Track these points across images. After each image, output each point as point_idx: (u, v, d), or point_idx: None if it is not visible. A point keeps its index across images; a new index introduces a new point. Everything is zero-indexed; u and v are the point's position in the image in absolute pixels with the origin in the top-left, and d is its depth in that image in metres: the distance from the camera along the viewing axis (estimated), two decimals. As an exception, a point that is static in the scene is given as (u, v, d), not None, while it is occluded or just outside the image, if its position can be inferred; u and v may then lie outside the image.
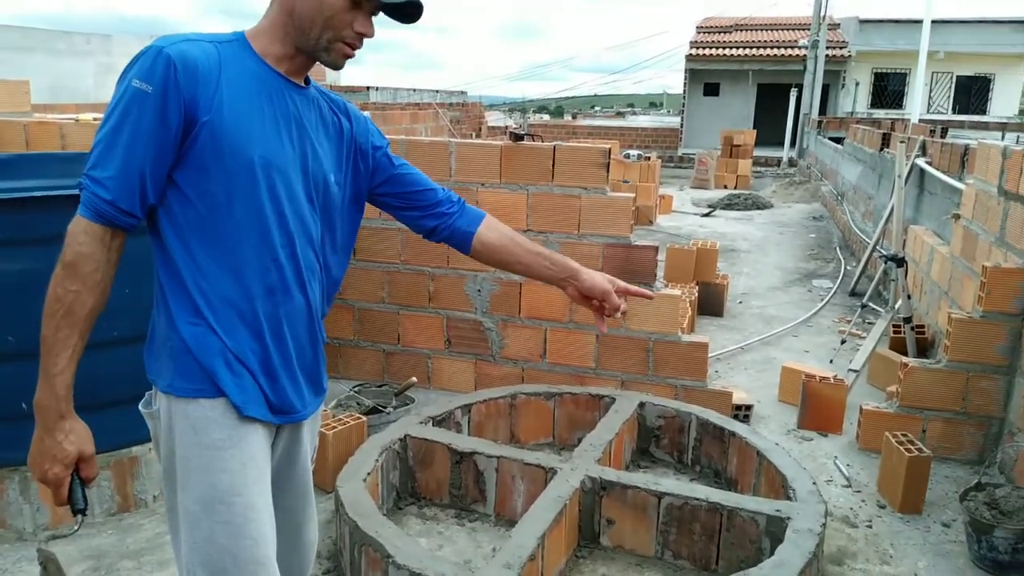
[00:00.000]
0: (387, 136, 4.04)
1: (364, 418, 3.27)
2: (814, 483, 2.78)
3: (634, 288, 1.83)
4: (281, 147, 1.48)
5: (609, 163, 3.72)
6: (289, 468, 1.67)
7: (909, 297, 4.34)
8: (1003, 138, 13.26)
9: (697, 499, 2.68)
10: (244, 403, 1.47)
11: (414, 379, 3.68)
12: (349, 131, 1.65)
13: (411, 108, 14.08)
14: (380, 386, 3.93)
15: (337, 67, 1.57)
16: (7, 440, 2.63)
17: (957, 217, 4.34)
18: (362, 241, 4.13)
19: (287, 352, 1.54)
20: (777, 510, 2.60)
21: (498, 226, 1.82)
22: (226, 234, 1.44)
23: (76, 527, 1.43)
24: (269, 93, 1.47)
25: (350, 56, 1.51)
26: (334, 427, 3.15)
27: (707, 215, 11.00)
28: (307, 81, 1.58)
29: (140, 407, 1.55)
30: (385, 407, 3.50)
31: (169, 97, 1.35)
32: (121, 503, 2.90)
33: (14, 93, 4.55)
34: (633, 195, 3.88)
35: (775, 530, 2.55)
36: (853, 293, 6.49)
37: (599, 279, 1.80)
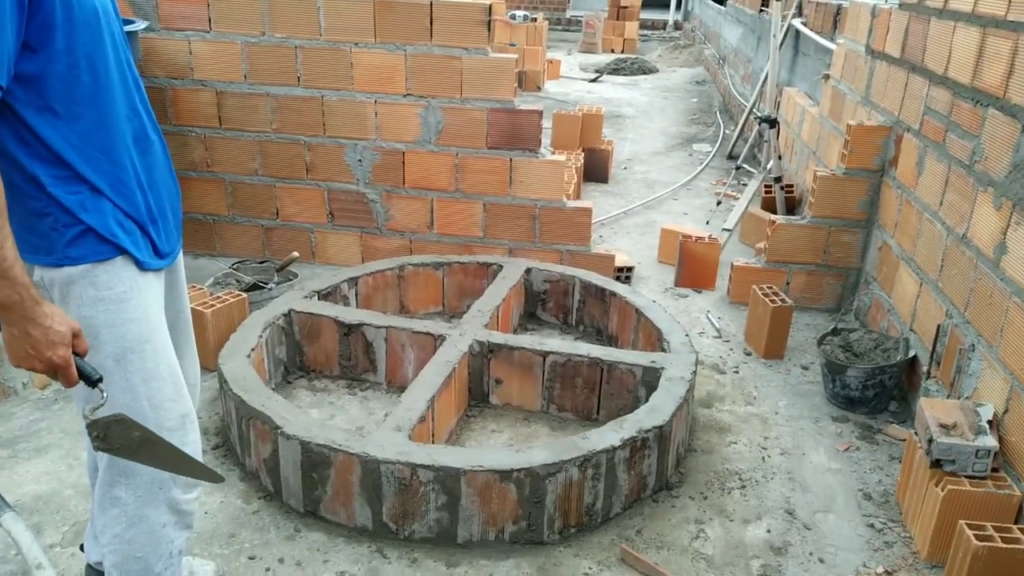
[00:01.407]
0: None
1: (245, 295, 3.17)
2: (687, 335, 2.95)
3: None
4: None
5: (491, 21, 3.57)
6: (174, 303, 1.73)
7: (780, 158, 4.52)
8: None
9: (579, 355, 2.79)
10: (145, 258, 1.51)
11: (296, 254, 3.58)
12: None
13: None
14: (261, 262, 3.81)
15: None
16: None
17: (827, 78, 4.48)
18: (227, 109, 3.86)
19: (160, 197, 1.57)
20: (652, 361, 2.75)
21: None
22: (89, 91, 1.39)
23: (104, 395, 1.39)
24: None
25: None
26: (213, 305, 3.04)
27: (594, 80, 10.90)
28: None
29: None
30: (267, 283, 3.40)
31: None
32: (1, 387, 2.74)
33: None
34: (516, 57, 3.76)
35: (650, 379, 2.71)
36: (731, 156, 6.70)
37: None
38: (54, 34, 1.31)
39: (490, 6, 3.55)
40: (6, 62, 1.26)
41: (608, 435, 2.33)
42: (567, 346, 2.88)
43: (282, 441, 2.29)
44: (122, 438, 1.39)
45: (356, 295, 3.37)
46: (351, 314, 3.01)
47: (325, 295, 3.21)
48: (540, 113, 3.73)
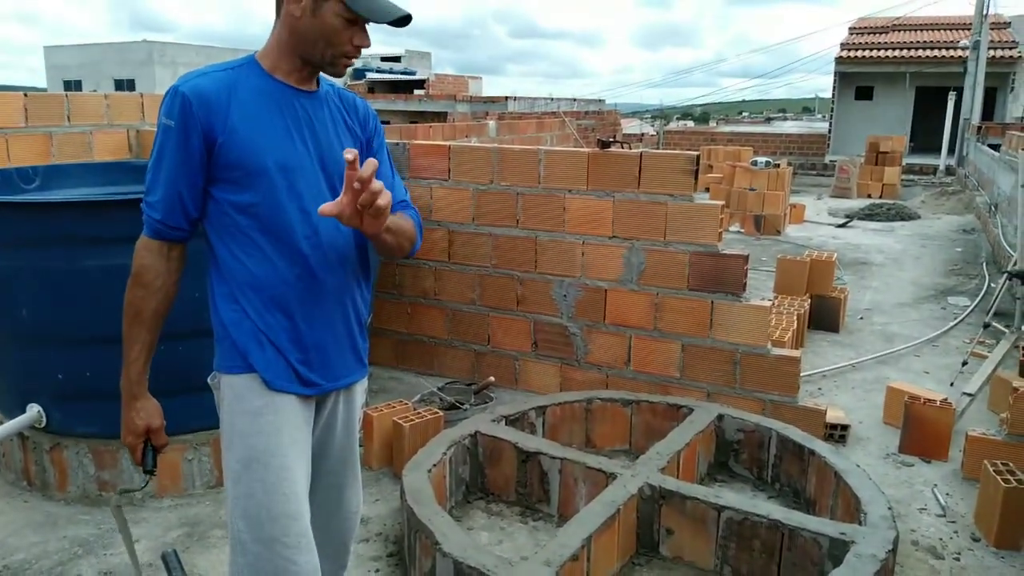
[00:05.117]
0: (507, 144, 4.16)
1: (441, 413, 3.41)
2: (890, 509, 2.63)
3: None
4: (294, 150, 1.66)
5: (697, 170, 3.67)
6: (328, 434, 1.85)
7: (1040, 317, 3.97)
8: None
9: (758, 515, 2.60)
10: (272, 378, 1.67)
11: (492, 378, 3.79)
12: (356, 125, 1.82)
13: (546, 117, 14.27)
14: (468, 384, 4.07)
15: (339, 75, 1.73)
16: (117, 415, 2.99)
17: (1100, 230, 3.92)
18: (455, 245, 4.30)
19: (317, 331, 1.72)
20: (842, 533, 2.48)
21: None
22: (254, 232, 1.65)
23: (144, 484, 1.73)
24: (279, 105, 1.66)
25: (350, 65, 1.70)
26: (412, 420, 3.31)
27: (842, 226, 10.42)
28: (318, 83, 1.74)
29: (208, 379, 1.78)
30: (463, 404, 3.63)
31: (188, 127, 1.58)
32: (219, 477, 3.19)
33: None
34: (722, 204, 3.79)
35: (839, 554, 2.43)
36: (996, 313, 5.96)
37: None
38: (228, 186, 1.62)
39: (697, 156, 3.66)
40: (180, 208, 1.61)
41: (770, 607, 2.12)
42: (745, 503, 2.70)
43: (439, 557, 2.38)
44: (117, 516, 1.67)
45: (543, 424, 3.47)
46: (530, 441, 3.10)
47: (512, 420, 3.35)
48: (745, 258, 3.68)
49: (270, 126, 1.63)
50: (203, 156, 1.59)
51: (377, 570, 2.72)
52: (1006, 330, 4.83)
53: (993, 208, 9.43)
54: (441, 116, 19.76)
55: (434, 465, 2.91)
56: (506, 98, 19.83)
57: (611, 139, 3.86)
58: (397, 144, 4.39)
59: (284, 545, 1.65)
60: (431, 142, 4.59)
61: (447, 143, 4.29)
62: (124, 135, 4.85)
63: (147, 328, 1.65)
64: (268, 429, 1.65)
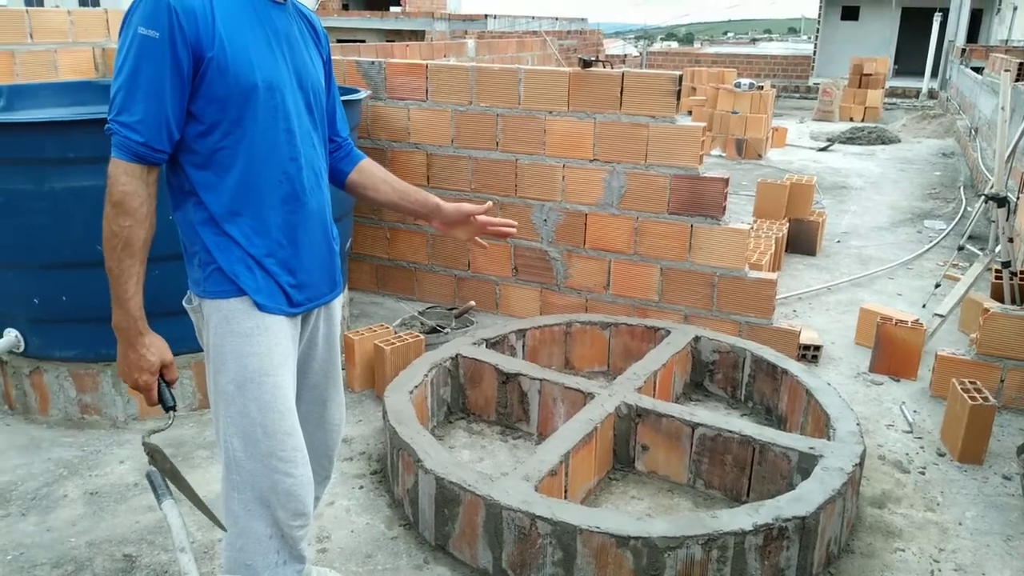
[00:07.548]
0: (490, 64, 4.05)
1: (423, 337, 3.43)
2: (858, 424, 2.71)
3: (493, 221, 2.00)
4: (277, 67, 1.61)
5: (680, 91, 3.62)
6: (311, 349, 1.88)
7: (1011, 240, 4.02)
8: None
9: (730, 431, 2.68)
10: (264, 301, 1.67)
11: (472, 303, 3.81)
12: (320, 41, 1.80)
13: (527, 36, 13.93)
14: (450, 309, 4.09)
15: None
16: (101, 338, 2.98)
17: (1076, 153, 3.94)
18: (435, 169, 4.24)
19: (301, 252, 1.72)
20: (811, 447, 2.56)
21: (372, 169, 1.98)
22: (239, 155, 1.61)
23: (170, 421, 1.68)
24: (258, 17, 1.59)
25: None
26: (393, 343, 3.34)
27: (823, 149, 10.39)
28: None
29: (183, 303, 1.77)
30: (444, 328, 3.66)
31: (176, 41, 1.48)
32: (202, 400, 3.22)
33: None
34: (703, 125, 3.76)
35: (807, 467, 2.52)
36: (971, 236, 6.04)
37: (456, 206, 1.98)
38: (213, 106, 1.54)
39: (680, 76, 3.60)
40: (165, 129, 1.51)
41: (740, 517, 2.21)
42: (718, 420, 2.77)
43: (421, 474, 2.45)
44: (162, 464, 1.61)
45: (523, 347, 3.51)
46: (510, 363, 3.15)
47: (493, 343, 3.38)
48: (725, 181, 3.68)
49: (254, 40, 1.56)
50: (190, 73, 1.51)
51: (361, 487, 2.78)
52: (980, 253, 4.90)
53: (974, 132, 9.43)
54: (419, 35, 19.22)
55: (416, 386, 2.95)
56: (485, 16, 19.30)
57: (593, 59, 3.77)
58: (373, 63, 4.28)
59: (280, 459, 1.70)
60: (408, 61, 4.45)
61: (424, 62, 4.17)
62: (89, 53, 4.68)
63: (140, 260, 1.56)
64: (260, 350, 1.66)
